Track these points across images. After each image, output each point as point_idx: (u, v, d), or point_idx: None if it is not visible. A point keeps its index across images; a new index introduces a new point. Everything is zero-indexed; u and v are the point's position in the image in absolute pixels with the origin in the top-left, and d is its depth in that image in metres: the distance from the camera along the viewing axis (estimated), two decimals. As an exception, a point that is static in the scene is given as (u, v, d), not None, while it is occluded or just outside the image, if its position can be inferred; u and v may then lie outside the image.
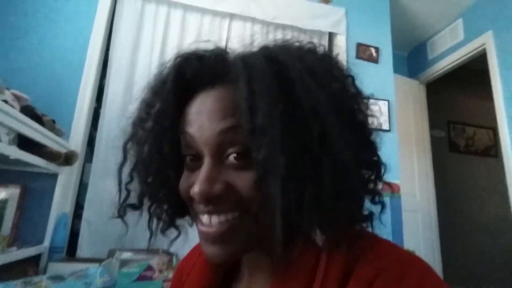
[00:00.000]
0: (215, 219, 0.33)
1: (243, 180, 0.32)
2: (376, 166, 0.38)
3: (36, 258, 1.28)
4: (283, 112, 0.29)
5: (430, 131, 2.89)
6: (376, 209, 0.38)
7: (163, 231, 0.45)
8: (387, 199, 1.93)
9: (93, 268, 0.92)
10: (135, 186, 0.41)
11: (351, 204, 0.33)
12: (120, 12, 1.79)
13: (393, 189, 1.99)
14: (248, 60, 0.34)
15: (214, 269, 0.43)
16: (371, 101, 0.40)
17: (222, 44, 0.40)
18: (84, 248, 1.45)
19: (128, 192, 0.42)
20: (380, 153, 0.38)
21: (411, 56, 3.20)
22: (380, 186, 0.39)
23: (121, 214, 0.43)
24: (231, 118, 0.32)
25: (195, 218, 0.37)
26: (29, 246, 1.19)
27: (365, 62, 2.12)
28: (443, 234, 2.58)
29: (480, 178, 3.28)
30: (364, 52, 2.14)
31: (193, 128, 0.34)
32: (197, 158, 0.35)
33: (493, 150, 3.44)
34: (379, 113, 2.06)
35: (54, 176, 1.39)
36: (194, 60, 0.37)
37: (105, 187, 1.54)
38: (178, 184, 0.37)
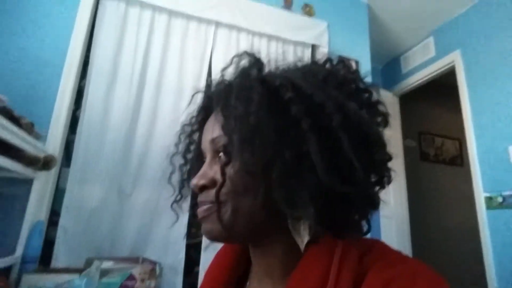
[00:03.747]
0: (203, 206, 0.40)
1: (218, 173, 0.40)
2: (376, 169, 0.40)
3: (5, 270, 1.20)
4: (241, 127, 0.37)
5: (402, 141, 3.03)
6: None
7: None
8: None
9: (78, 279, 0.87)
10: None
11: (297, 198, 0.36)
12: (102, 14, 1.73)
13: None
14: (218, 93, 0.44)
15: (226, 270, 0.47)
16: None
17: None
18: (59, 257, 1.38)
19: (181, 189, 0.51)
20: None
21: (386, 69, 3.36)
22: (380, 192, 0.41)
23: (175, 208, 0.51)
24: (216, 131, 0.41)
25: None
26: (2, 257, 1.12)
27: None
28: (414, 239, 2.70)
29: (447, 185, 3.48)
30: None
31: (203, 138, 0.45)
32: None
33: (458, 159, 3.68)
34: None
35: (28, 182, 1.32)
36: (207, 90, 0.49)
37: (83, 193, 1.48)
38: None
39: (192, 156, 0.51)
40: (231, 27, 2.01)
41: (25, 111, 1.29)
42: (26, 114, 1.26)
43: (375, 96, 0.43)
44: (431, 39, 2.82)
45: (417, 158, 3.49)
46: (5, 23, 1.54)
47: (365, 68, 2.32)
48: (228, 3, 2.00)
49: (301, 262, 0.36)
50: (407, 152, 3.08)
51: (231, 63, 0.46)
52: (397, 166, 2.88)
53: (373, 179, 0.40)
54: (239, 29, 2.03)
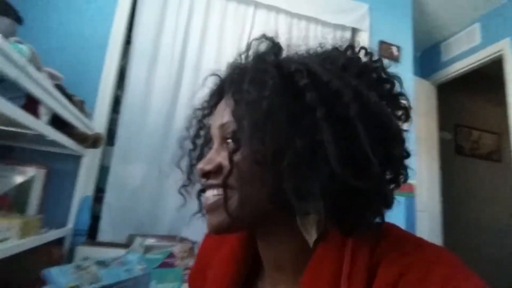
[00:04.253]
0: (209, 192, 0.40)
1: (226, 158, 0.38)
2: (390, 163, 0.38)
3: (58, 240, 1.26)
4: (250, 115, 0.36)
5: (438, 132, 2.92)
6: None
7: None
8: (401, 199, 1.96)
9: (131, 255, 0.91)
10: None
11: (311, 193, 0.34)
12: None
13: (408, 188, 2.01)
14: (231, 77, 0.43)
15: (236, 265, 0.46)
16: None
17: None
18: (104, 232, 1.44)
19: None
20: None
21: (424, 56, 3.20)
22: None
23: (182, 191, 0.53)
24: (226, 117, 0.40)
25: None
26: (55, 228, 1.17)
27: (387, 61, 2.11)
28: (446, 234, 2.64)
29: (483, 181, 3.35)
30: (386, 50, 2.13)
31: (212, 123, 0.44)
32: None
33: (496, 154, 3.51)
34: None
35: (77, 158, 1.37)
36: (219, 77, 0.47)
37: (126, 171, 1.52)
38: None
39: (202, 142, 0.50)
40: (270, 8, 1.96)
41: (71, 89, 1.31)
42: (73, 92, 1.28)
43: (397, 88, 0.40)
44: (476, 26, 2.64)
45: (452, 151, 3.36)
46: (52, 4, 1.56)
47: (407, 54, 2.21)
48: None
49: (311, 260, 0.36)
50: (442, 144, 2.97)
51: (249, 47, 0.44)
52: (431, 158, 2.82)
53: (388, 176, 0.38)
54: (278, 10, 1.98)
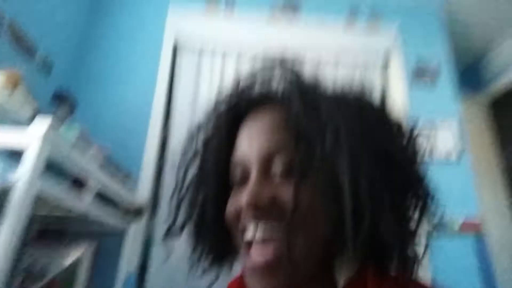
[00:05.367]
0: (261, 229, 0.31)
1: (289, 192, 0.31)
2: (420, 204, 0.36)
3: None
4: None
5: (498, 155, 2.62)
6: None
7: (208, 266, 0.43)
8: (470, 242, 1.67)
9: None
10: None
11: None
12: (179, 66, 1.85)
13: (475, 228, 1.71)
14: (300, 85, 0.37)
15: None
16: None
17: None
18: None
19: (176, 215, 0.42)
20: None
21: (467, 75, 2.93)
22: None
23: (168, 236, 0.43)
24: (278, 135, 0.34)
25: (241, 246, 0.35)
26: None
27: (424, 84, 2.00)
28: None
29: None
30: (422, 73, 2.01)
31: (244, 146, 0.36)
32: (246, 178, 0.35)
33: None
34: (444, 141, 1.86)
35: (121, 234, 1.34)
36: (242, 91, 0.40)
37: (169, 244, 1.46)
38: (220, 214, 0.37)
39: (205, 172, 0.40)
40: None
41: (119, 158, 1.32)
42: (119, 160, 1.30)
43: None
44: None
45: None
46: (99, 85, 1.71)
47: (447, 74, 2.05)
48: (290, 39, 1.99)
49: None
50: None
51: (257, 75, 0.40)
52: (494, 186, 2.45)
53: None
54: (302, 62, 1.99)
